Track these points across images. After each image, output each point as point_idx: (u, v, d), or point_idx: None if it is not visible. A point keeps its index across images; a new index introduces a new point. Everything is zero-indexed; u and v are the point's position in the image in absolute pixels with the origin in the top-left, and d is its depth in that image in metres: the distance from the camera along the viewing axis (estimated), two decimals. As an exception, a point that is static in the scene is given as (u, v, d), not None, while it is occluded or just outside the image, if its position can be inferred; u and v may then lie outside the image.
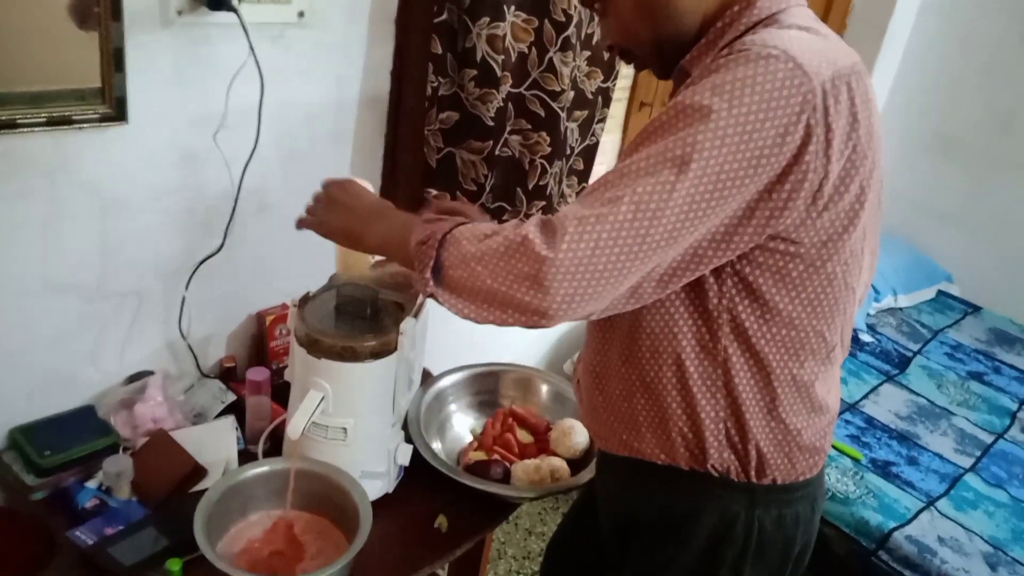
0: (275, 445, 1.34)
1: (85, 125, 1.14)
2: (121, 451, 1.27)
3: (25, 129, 1.09)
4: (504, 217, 1.81)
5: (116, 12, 1.11)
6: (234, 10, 1.15)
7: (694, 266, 0.84)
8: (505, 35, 1.50)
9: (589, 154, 1.96)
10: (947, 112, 3.00)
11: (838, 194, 0.83)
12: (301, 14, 1.31)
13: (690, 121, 0.79)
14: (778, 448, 0.96)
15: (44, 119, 1.11)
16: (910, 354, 2.62)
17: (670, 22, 0.92)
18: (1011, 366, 2.64)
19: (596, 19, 1.72)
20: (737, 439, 0.95)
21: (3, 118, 1.07)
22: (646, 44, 0.96)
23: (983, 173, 3.00)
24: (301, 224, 1.09)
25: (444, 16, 1.44)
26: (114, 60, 1.13)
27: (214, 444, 1.32)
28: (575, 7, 1.60)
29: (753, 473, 0.96)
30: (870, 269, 0.96)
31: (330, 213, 1.06)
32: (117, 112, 1.17)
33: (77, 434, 1.26)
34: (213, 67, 1.25)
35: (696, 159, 0.77)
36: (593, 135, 1.93)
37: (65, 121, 1.13)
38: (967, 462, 2.10)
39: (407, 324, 1.20)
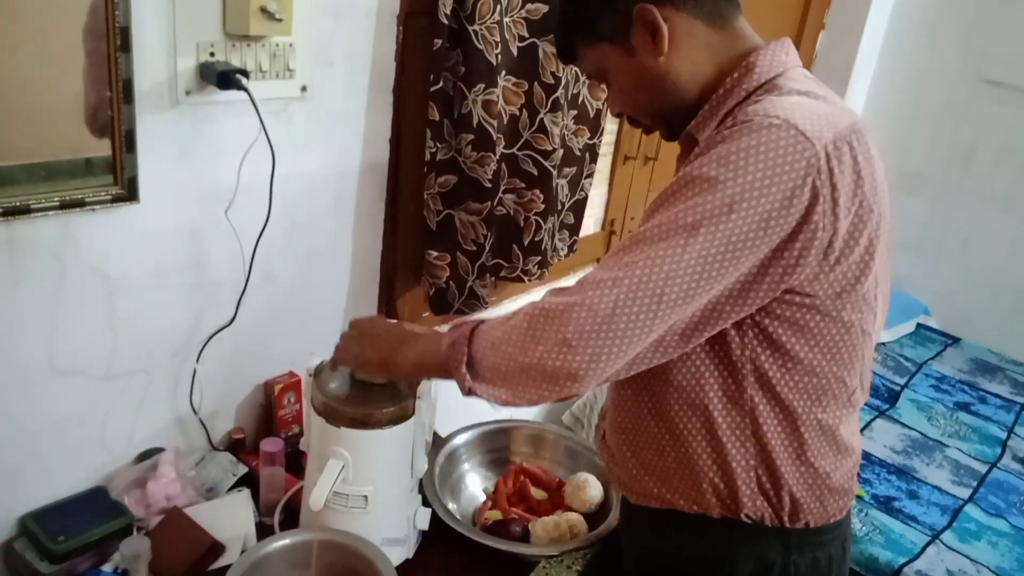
0: (290, 516, 1.33)
1: (97, 207, 1.15)
2: (136, 531, 1.25)
3: (38, 214, 1.10)
4: (501, 273, 1.83)
5: (128, 95, 1.12)
6: (244, 88, 1.17)
7: (714, 321, 0.88)
8: (498, 99, 1.54)
9: (579, 208, 2.00)
10: (910, 149, 3.12)
11: (848, 248, 0.87)
12: (304, 88, 1.35)
13: (698, 191, 0.83)
14: (810, 492, 0.98)
15: (57, 203, 1.11)
16: (898, 388, 2.67)
17: (669, 94, 0.97)
18: (995, 395, 2.70)
19: (582, 80, 1.78)
20: (769, 486, 0.97)
21: (17, 203, 1.08)
22: (649, 112, 1.02)
23: (947, 206, 3.12)
24: (336, 361, 1.16)
25: (440, 84, 1.48)
26: (125, 142, 1.15)
27: (230, 519, 1.30)
28: (562, 69, 1.66)
29: (787, 518, 0.98)
30: (884, 314, 1.00)
31: (362, 346, 1.12)
32: (129, 192, 1.18)
33: (90, 517, 1.23)
34: (221, 143, 1.27)
35: (705, 224, 0.81)
36: (582, 189, 1.97)
37: (78, 204, 1.13)
38: (965, 493, 2.13)
39: (423, 388, 1.21)
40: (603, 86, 1.13)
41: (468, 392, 0.92)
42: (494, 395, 0.91)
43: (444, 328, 1.03)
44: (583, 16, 0.99)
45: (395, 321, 1.20)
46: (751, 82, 0.92)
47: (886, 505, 2.03)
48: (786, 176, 0.81)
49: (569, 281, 0.99)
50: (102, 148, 1.14)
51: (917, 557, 1.84)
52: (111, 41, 1.09)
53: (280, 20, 1.21)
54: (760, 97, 0.90)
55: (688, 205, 0.83)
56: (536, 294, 2.12)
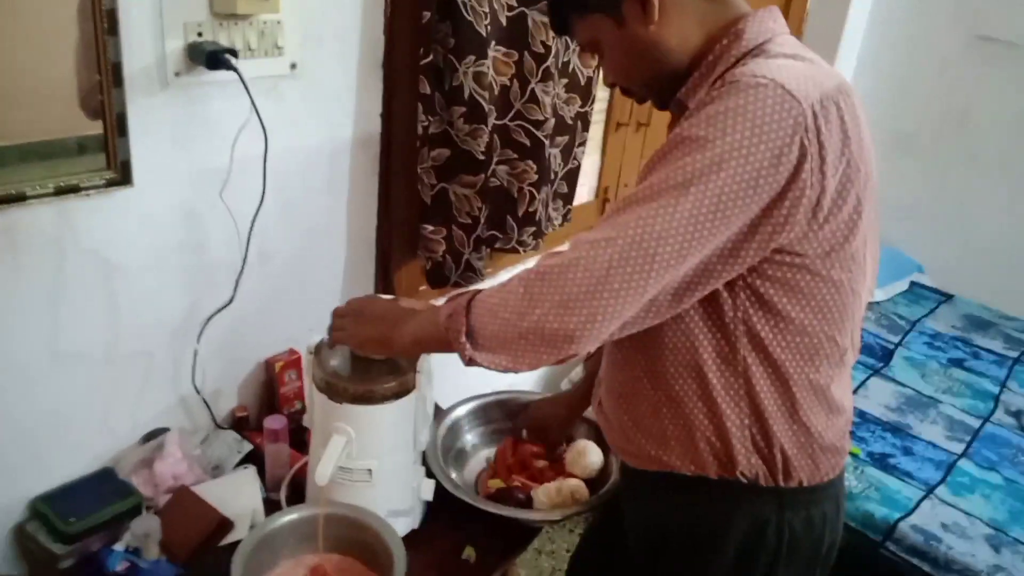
0: (295, 491, 1.35)
1: (92, 192, 1.15)
2: (145, 511, 1.27)
3: (33, 200, 1.10)
4: (496, 245, 1.84)
5: (118, 79, 1.12)
6: (233, 68, 1.17)
7: (705, 280, 0.89)
8: (489, 71, 1.53)
9: (572, 177, 2.00)
10: (902, 111, 3.11)
11: (836, 207, 0.88)
12: (293, 66, 1.34)
13: (687, 151, 0.84)
14: (802, 450, 1.00)
15: (52, 189, 1.11)
16: (892, 346, 2.69)
17: (661, 63, 0.98)
18: (988, 350, 2.73)
19: (572, 48, 1.77)
20: (763, 444, 0.99)
21: (12, 191, 1.08)
22: (640, 83, 1.03)
23: (941, 167, 3.12)
24: (334, 341, 1.16)
25: (430, 58, 1.47)
26: (117, 125, 1.15)
27: (237, 496, 1.32)
28: (552, 38, 1.65)
29: (780, 477, 1.00)
30: (873, 274, 1.02)
31: (360, 325, 1.12)
32: (123, 176, 1.18)
33: (99, 498, 1.26)
34: (213, 124, 1.27)
35: (695, 183, 0.83)
36: (574, 158, 1.97)
37: (72, 189, 1.14)
38: (959, 448, 2.17)
39: (423, 362, 1.23)
40: (595, 57, 1.13)
41: (469, 362, 0.94)
42: (494, 362, 0.92)
43: (440, 301, 1.04)
44: None
45: (390, 297, 1.21)
46: (740, 48, 0.93)
47: (881, 462, 2.07)
48: (774, 134, 0.82)
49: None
50: (94, 129, 1.14)
51: (912, 512, 1.88)
52: (98, 24, 1.08)
53: (267, -2, 1.20)
54: (747, 61, 0.91)
55: (678, 165, 0.84)
56: (531, 265, 2.14)
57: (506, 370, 0.92)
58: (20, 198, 1.09)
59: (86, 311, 1.23)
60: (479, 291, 0.96)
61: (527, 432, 1.49)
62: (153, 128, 1.20)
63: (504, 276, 2.05)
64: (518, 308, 0.88)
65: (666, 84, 1.00)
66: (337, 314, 1.17)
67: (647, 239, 0.83)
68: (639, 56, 0.98)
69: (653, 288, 0.86)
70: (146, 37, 1.15)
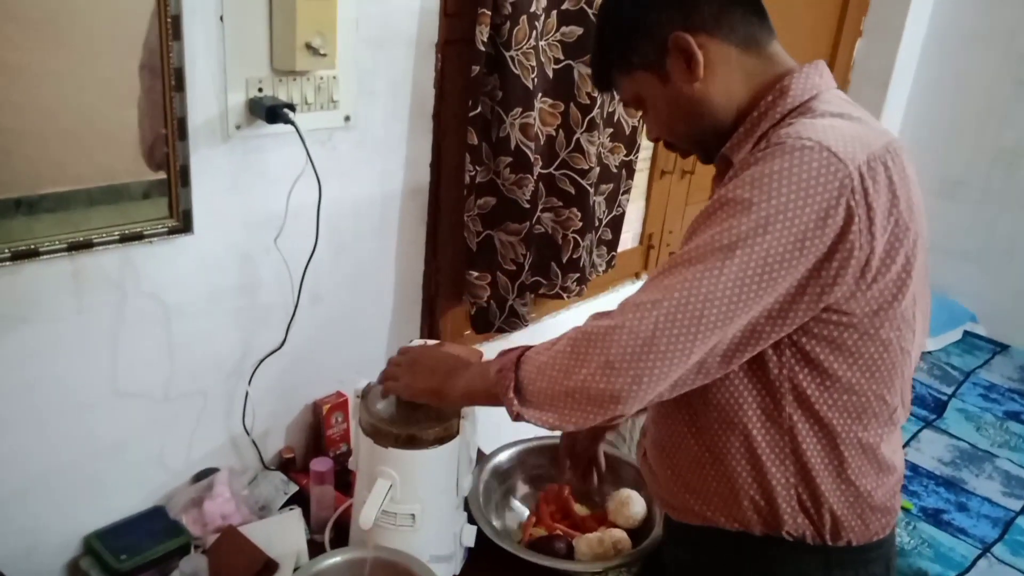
0: (339, 533, 1.37)
1: (155, 239, 1.21)
2: (193, 550, 1.30)
3: (99, 247, 1.15)
4: (540, 291, 1.86)
5: (183, 132, 1.18)
6: (291, 122, 1.22)
7: (754, 342, 0.89)
8: (535, 122, 1.57)
9: (616, 224, 2.02)
10: (951, 156, 3.08)
11: (884, 267, 0.88)
12: (347, 118, 1.39)
13: (732, 212, 0.85)
14: (851, 510, 0.98)
15: (117, 236, 1.17)
16: (945, 398, 2.63)
17: (705, 120, 0.99)
18: (1047, 403, 2.64)
19: (617, 99, 1.80)
20: (810, 504, 0.98)
21: (80, 238, 1.13)
22: (685, 137, 1.04)
23: (991, 213, 3.07)
24: (386, 391, 1.19)
25: (479, 109, 1.51)
26: (180, 177, 1.20)
27: (282, 537, 1.34)
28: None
29: (828, 536, 0.99)
30: (924, 331, 1.00)
31: (413, 376, 1.15)
32: (184, 225, 1.23)
33: (150, 536, 1.28)
34: (269, 174, 1.32)
35: (741, 246, 0.83)
36: (619, 206, 1.99)
37: (136, 237, 1.19)
38: (1017, 505, 2.10)
39: (468, 408, 1.24)
40: (639, 112, 1.15)
41: (516, 417, 0.95)
42: (541, 419, 0.93)
43: (485, 346, 1.05)
44: (619, 45, 1.02)
45: (442, 347, 1.23)
46: (785, 105, 0.94)
47: (935, 518, 2.01)
48: (819, 196, 0.82)
49: (608, 297, 1.02)
50: (158, 175, 1.19)
51: (968, 571, 1.82)
52: (166, 81, 1.14)
53: (324, 55, 1.25)
54: (793, 120, 0.92)
55: (723, 227, 0.84)
56: (575, 311, 2.16)
57: (552, 427, 0.93)
58: (87, 245, 1.14)
59: (145, 351, 1.28)
60: (529, 347, 0.97)
61: (559, 455, 1.47)
62: (213, 178, 1.25)
63: (548, 322, 2.09)
64: (565, 367, 0.89)
65: (711, 140, 1.00)
66: (391, 363, 1.20)
67: (693, 302, 0.84)
68: (684, 113, 0.99)
69: (700, 350, 0.86)
70: (210, 92, 1.20)
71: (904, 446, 2.32)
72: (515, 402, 0.93)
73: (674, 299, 0.84)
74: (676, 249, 0.99)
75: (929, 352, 2.92)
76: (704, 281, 0.84)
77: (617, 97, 1.76)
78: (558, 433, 1.68)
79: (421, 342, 1.25)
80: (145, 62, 1.12)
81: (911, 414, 2.47)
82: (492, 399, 0.97)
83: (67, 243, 1.12)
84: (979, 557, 1.87)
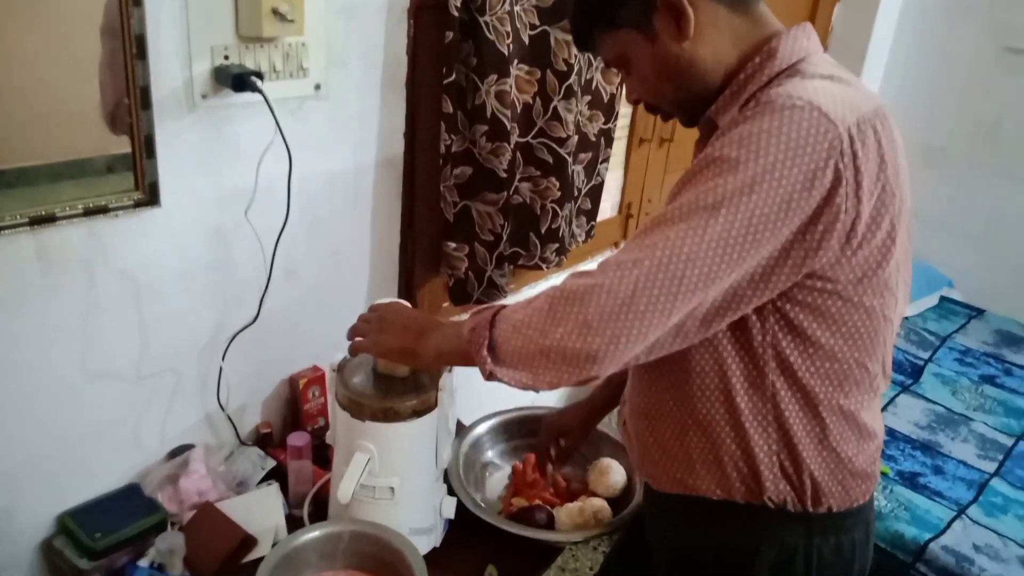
0: (318, 507, 1.36)
1: (120, 213, 1.18)
2: (170, 527, 1.29)
3: (63, 221, 1.12)
4: (519, 262, 1.84)
5: (146, 101, 1.14)
6: (259, 90, 1.19)
7: (735, 306, 0.88)
8: (511, 89, 1.54)
9: (595, 193, 2.00)
10: (931, 124, 3.08)
11: (870, 232, 0.87)
12: (317, 87, 1.36)
13: (718, 171, 0.83)
14: (832, 476, 0.98)
15: (81, 210, 1.14)
16: (921, 363, 2.65)
17: (693, 81, 0.96)
18: (1021, 367, 2.67)
19: (595, 66, 1.78)
20: (791, 470, 0.98)
21: (43, 212, 1.10)
22: (670, 100, 1.00)
23: (970, 180, 3.07)
24: (356, 348, 1.14)
25: (453, 77, 1.48)
26: (145, 147, 1.17)
27: (260, 512, 1.33)
28: (575, 56, 1.66)
29: (809, 503, 0.99)
30: (905, 299, 0.99)
31: (384, 334, 1.11)
32: (150, 197, 1.20)
33: (125, 514, 1.27)
34: (238, 145, 1.29)
35: (726, 204, 0.81)
36: (598, 175, 1.97)
37: (101, 210, 1.16)
38: (991, 467, 2.13)
39: (445, 380, 1.23)
40: (619, 73, 1.11)
41: (489, 376, 0.93)
42: (514, 378, 0.91)
43: (464, 317, 1.03)
44: (604, 2, 0.97)
45: (411, 307, 1.19)
46: (773, 67, 0.91)
47: (911, 481, 2.03)
48: (807, 157, 0.80)
49: (588, 266, 1.00)
50: (123, 149, 1.16)
51: (943, 532, 1.84)
52: (127, 48, 1.11)
53: (292, 21, 1.22)
54: (783, 81, 0.89)
55: (708, 186, 0.83)
56: (554, 281, 2.14)
57: (526, 387, 0.91)
58: (50, 219, 1.11)
59: (116, 329, 1.25)
60: (504, 306, 0.95)
61: (543, 439, 1.45)
62: (180, 149, 1.22)
63: (527, 293, 2.07)
64: (541, 326, 0.87)
65: (696, 102, 0.98)
66: (360, 320, 1.16)
67: (675, 261, 0.82)
68: (670, 73, 0.96)
69: (679, 312, 0.84)
70: (174, 60, 1.17)
71: (881, 411, 2.35)
72: (488, 361, 0.91)
73: (655, 258, 0.82)
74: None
75: (906, 317, 2.94)
76: (687, 240, 0.82)
77: (596, 62, 1.77)
78: (538, 404, 1.68)
79: (391, 300, 1.21)
80: (107, 26, 1.08)
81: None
82: (465, 358, 0.95)
83: (29, 217, 1.09)
84: (954, 519, 1.89)
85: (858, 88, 0.91)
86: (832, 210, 0.83)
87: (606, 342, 0.84)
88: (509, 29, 1.49)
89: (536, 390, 0.91)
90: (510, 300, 1.91)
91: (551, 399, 2.44)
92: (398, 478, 1.23)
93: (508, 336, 0.90)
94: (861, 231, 0.85)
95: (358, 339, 1.14)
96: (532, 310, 0.89)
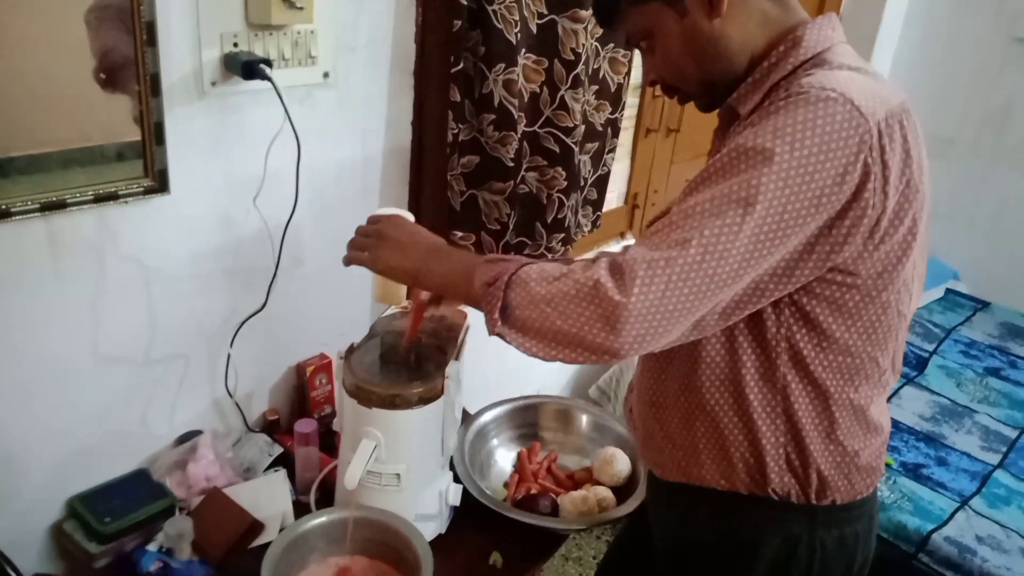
0: (325, 494, 1.37)
1: (130, 199, 1.18)
2: (178, 512, 1.30)
3: (74, 208, 1.13)
4: (525, 252, 1.85)
5: (155, 88, 1.15)
6: (268, 78, 1.19)
7: (756, 299, 0.87)
8: (518, 78, 1.54)
9: (601, 183, 2.00)
10: (939, 114, 3.06)
11: (893, 227, 0.86)
12: (326, 75, 1.36)
13: (753, 163, 0.81)
14: (838, 470, 0.99)
15: (91, 196, 1.14)
16: (926, 355, 2.65)
17: (719, 61, 0.94)
18: (1026, 359, 2.68)
19: (603, 55, 1.78)
20: (797, 463, 0.98)
21: (53, 198, 1.11)
22: (693, 82, 0.98)
23: (978, 172, 3.06)
24: (350, 260, 1.08)
25: (460, 66, 1.48)
26: (155, 134, 1.17)
27: (268, 498, 1.34)
28: (583, 45, 1.65)
29: (813, 496, 0.99)
30: (919, 295, 0.99)
31: (383, 249, 1.04)
32: (160, 184, 1.20)
33: (134, 498, 1.28)
34: (247, 133, 1.29)
35: (761, 200, 0.79)
36: (604, 165, 1.97)
37: (111, 197, 1.16)
38: (995, 459, 2.13)
39: (452, 368, 1.24)
40: (639, 51, 1.05)
41: (495, 334, 0.89)
42: (523, 345, 0.87)
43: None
44: None
45: (414, 223, 1.13)
46: (798, 56, 0.90)
47: (915, 472, 2.04)
48: (840, 152, 0.80)
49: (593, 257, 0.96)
50: (133, 136, 1.16)
51: (946, 523, 1.85)
52: (137, 36, 1.11)
53: (301, 8, 1.22)
54: (810, 71, 0.88)
55: (743, 178, 0.81)
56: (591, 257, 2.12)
57: (532, 355, 0.87)
58: (61, 205, 1.12)
59: (125, 315, 1.26)
60: (523, 264, 0.89)
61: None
62: (189, 137, 1.22)
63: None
64: (563, 308, 0.83)
65: (719, 84, 0.96)
66: (359, 232, 1.09)
67: (708, 260, 0.80)
68: (697, 51, 0.94)
69: (706, 308, 0.83)
70: (184, 48, 1.17)
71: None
72: (498, 323, 0.87)
73: (689, 256, 0.80)
74: (662, 208, 0.95)
75: (911, 310, 2.94)
76: (722, 238, 0.80)
77: (604, 49, 1.76)
78: (543, 392, 1.68)
79: (393, 210, 1.13)
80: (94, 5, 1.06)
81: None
82: (471, 302, 0.92)
83: (40, 203, 1.09)
84: (957, 510, 1.90)
85: (884, 81, 0.90)
86: (860, 205, 0.82)
87: (630, 341, 0.81)
88: (517, 18, 1.48)
89: (544, 360, 0.88)
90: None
91: (556, 387, 2.45)
92: (404, 465, 1.23)
93: (524, 305, 0.86)
94: (884, 226, 0.85)
95: (354, 251, 1.08)
96: (556, 289, 0.84)
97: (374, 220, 1.10)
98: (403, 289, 1.22)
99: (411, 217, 1.15)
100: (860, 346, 0.93)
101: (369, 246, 1.06)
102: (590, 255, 1.93)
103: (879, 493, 1.90)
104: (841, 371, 0.94)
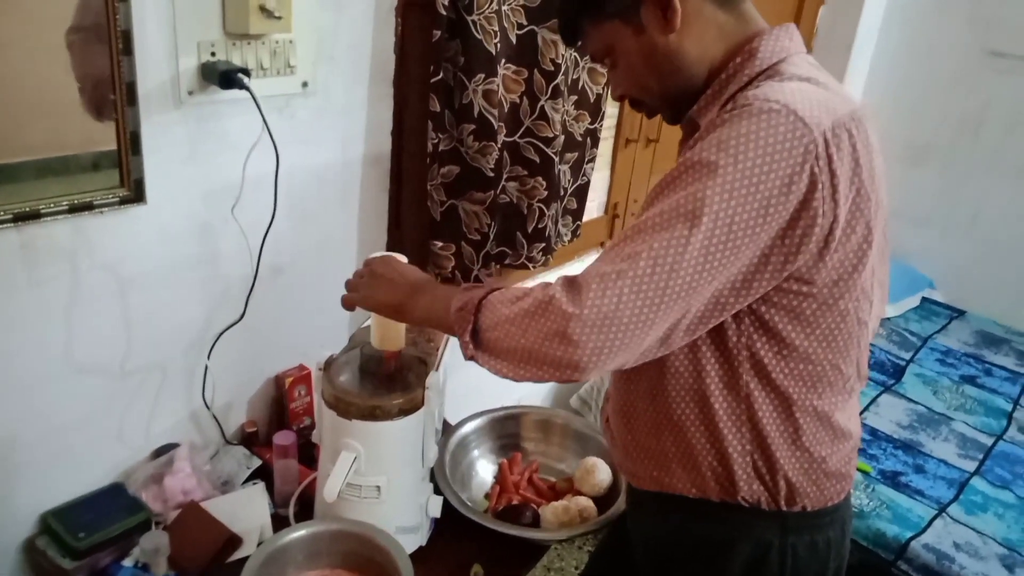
0: (304, 507, 1.36)
1: (106, 209, 1.17)
2: (154, 526, 1.28)
3: (48, 218, 1.11)
4: (506, 261, 1.85)
5: (132, 98, 1.14)
6: (246, 87, 1.18)
7: (718, 313, 0.88)
8: (498, 88, 1.54)
9: (581, 193, 2.01)
10: (915, 122, 3.10)
11: (846, 235, 0.87)
12: (304, 84, 1.35)
13: (698, 176, 0.83)
14: (806, 476, 0.99)
15: (66, 207, 1.13)
16: (903, 363, 2.68)
17: (678, 75, 0.96)
18: (1000, 367, 2.71)
19: (582, 66, 1.78)
20: (765, 471, 0.99)
21: (27, 208, 1.09)
22: (656, 96, 1.00)
23: (954, 179, 3.10)
24: (347, 302, 1.13)
25: (440, 76, 1.48)
26: (131, 144, 1.16)
27: (246, 511, 1.33)
28: (562, 56, 1.66)
29: (783, 502, 1.00)
30: (881, 301, 1.00)
31: (375, 288, 1.10)
32: (136, 194, 1.19)
33: (109, 513, 1.26)
34: (225, 142, 1.28)
35: (707, 212, 0.81)
36: (584, 175, 1.98)
37: (86, 207, 1.15)
38: (971, 466, 2.15)
39: (432, 378, 1.23)
40: (604, 69, 1.10)
41: (470, 358, 0.92)
42: (494, 367, 0.90)
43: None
44: None
45: (405, 263, 1.17)
46: (753, 67, 0.92)
47: (892, 480, 2.05)
48: (784, 162, 0.81)
49: (574, 267, 0.99)
50: (109, 145, 1.15)
51: (924, 531, 1.86)
52: (113, 45, 1.10)
53: (279, 18, 1.22)
54: (761, 82, 0.90)
55: (689, 192, 0.83)
56: (540, 281, 2.14)
57: (504, 377, 0.90)
58: (35, 215, 1.10)
59: (100, 325, 1.25)
60: (495, 290, 0.93)
61: None
62: (166, 146, 1.21)
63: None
64: (524, 326, 0.86)
65: (680, 97, 0.98)
66: (355, 275, 1.15)
67: (658, 272, 0.81)
68: (656, 66, 0.96)
69: (663, 322, 0.84)
70: (160, 57, 1.16)
71: (863, 411, 2.38)
72: (470, 346, 0.91)
73: (639, 269, 0.82)
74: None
75: (888, 318, 2.97)
76: (670, 250, 0.81)
77: (583, 62, 1.77)
78: (524, 403, 1.68)
79: (385, 254, 1.19)
80: (74, 25, 1.06)
81: (870, 379, 2.53)
82: (450, 331, 0.95)
83: (12, 214, 1.08)
84: (935, 517, 1.91)
85: (835, 90, 0.91)
86: (809, 214, 0.83)
87: (588, 353, 0.83)
88: (497, 28, 1.49)
89: (516, 380, 0.90)
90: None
91: (536, 397, 2.45)
92: (384, 477, 1.23)
93: (491, 326, 0.89)
94: (838, 234, 0.86)
95: (349, 293, 1.13)
96: (518, 308, 0.88)
97: (368, 263, 1.15)
98: (402, 335, 1.26)
99: (404, 259, 1.19)
100: (820, 354, 0.94)
101: (361, 286, 1.11)
102: (571, 267, 1.93)
103: (857, 501, 1.93)
104: (803, 378, 0.95)
